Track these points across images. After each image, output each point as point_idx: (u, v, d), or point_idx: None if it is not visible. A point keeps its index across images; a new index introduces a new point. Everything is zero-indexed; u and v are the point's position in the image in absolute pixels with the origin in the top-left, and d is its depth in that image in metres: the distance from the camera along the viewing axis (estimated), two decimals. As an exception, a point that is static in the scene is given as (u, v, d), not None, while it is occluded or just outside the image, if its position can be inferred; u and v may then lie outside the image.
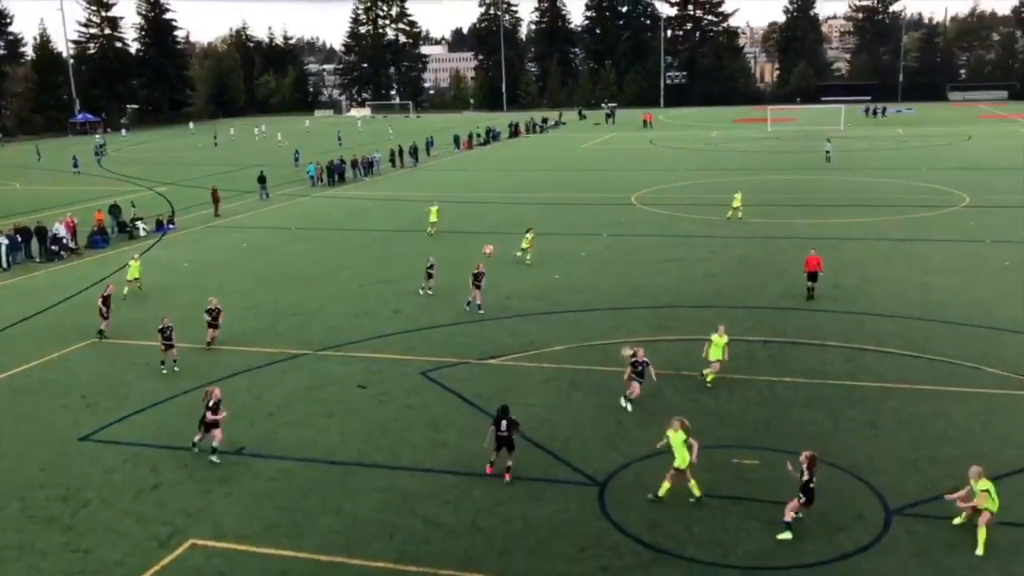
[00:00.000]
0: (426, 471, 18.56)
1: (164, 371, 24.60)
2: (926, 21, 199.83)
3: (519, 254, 36.46)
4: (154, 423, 21.52)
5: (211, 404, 19.18)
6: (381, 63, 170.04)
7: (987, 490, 14.69)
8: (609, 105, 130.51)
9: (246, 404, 22.37)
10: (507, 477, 17.82)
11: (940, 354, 24.31)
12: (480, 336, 27.22)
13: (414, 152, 76.23)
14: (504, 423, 17.80)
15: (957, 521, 15.42)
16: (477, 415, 21.22)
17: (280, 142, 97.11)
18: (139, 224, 46.34)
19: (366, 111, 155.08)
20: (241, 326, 28.68)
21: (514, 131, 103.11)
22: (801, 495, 15.41)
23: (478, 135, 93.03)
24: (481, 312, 29.12)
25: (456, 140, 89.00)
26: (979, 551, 14.64)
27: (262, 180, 58.11)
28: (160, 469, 18.98)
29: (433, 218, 43.38)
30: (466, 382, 23.39)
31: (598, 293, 31.63)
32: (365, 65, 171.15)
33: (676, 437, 16.74)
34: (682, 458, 16.58)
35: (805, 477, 15.37)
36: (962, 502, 15.11)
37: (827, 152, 66.74)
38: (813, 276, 29.56)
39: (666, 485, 16.73)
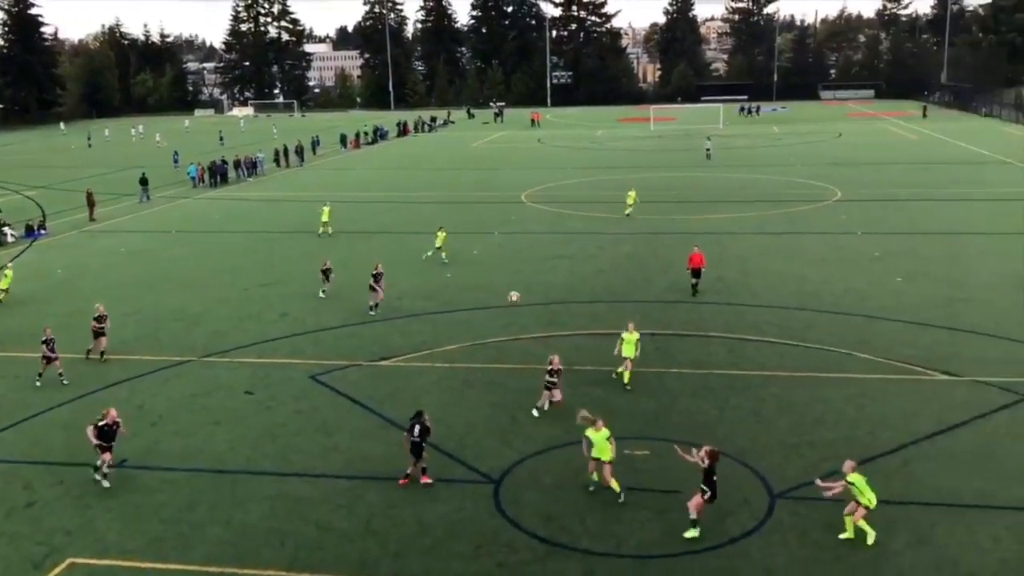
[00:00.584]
0: (317, 476, 18.24)
1: (39, 383, 23.38)
2: (798, 23, 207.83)
3: (431, 254, 36.19)
4: (27, 439, 20.48)
5: (101, 424, 17.95)
6: (264, 61, 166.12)
7: (854, 483, 14.98)
8: (497, 104, 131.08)
9: (128, 415, 21.41)
10: (424, 480, 17.62)
11: (817, 342, 25.34)
12: (371, 337, 26.93)
13: (300, 152, 74.80)
14: (417, 428, 17.55)
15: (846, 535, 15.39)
16: (369, 417, 20.99)
17: (159, 143, 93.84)
18: (5, 230, 43.98)
19: (249, 110, 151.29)
20: (121, 333, 27.53)
21: (402, 130, 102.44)
22: (704, 488, 15.47)
23: (366, 134, 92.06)
24: (371, 313, 28.83)
25: (343, 139, 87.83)
26: (872, 536, 15.02)
27: (144, 182, 55.88)
28: (34, 487, 18.06)
29: (325, 218, 42.66)
30: (357, 385, 23.09)
31: (490, 291, 31.71)
32: (247, 63, 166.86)
33: (597, 436, 16.81)
34: (606, 452, 16.72)
35: (704, 465, 15.45)
36: (829, 491, 15.40)
37: (707, 150, 68.72)
38: (697, 273, 30.30)
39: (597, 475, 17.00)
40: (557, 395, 20.89)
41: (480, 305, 29.99)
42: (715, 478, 15.47)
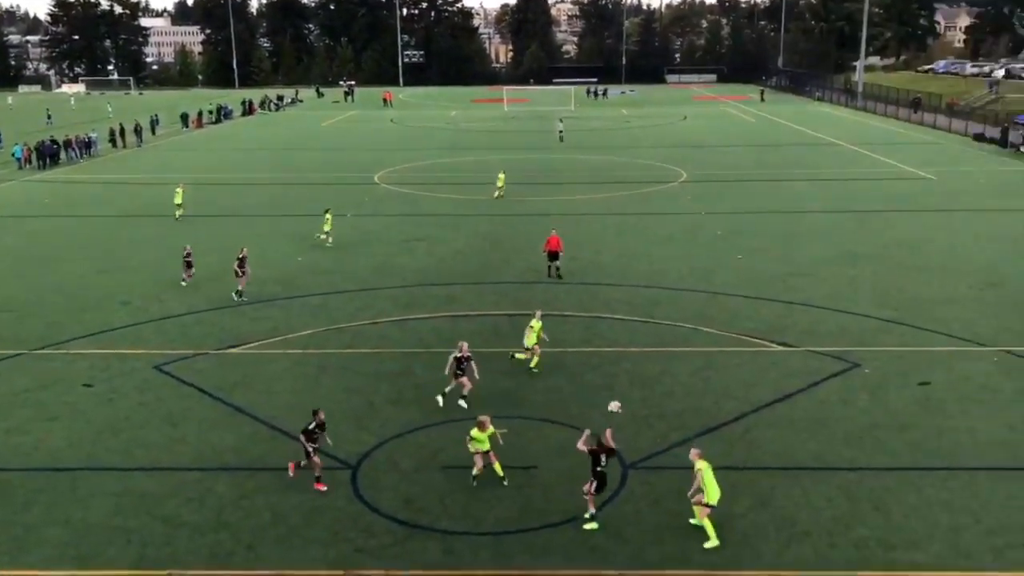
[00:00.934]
0: (164, 469, 17.53)
1: None
2: (644, 7, 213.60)
3: (322, 236, 35.09)
4: None
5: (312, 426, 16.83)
6: (95, 35, 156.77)
7: (702, 470, 14.93)
8: (348, 83, 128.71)
9: (-50, 413, 20.02)
10: (318, 486, 16.78)
11: (664, 318, 26.25)
12: (219, 325, 26.02)
13: (139, 131, 71.19)
14: (312, 424, 16.82)
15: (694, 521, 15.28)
16: (217, 407, 20.31)
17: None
18: None
19: (80, 87, 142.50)
20: (-60, 327, 25.61)
21: (248, 109, 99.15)
22: (592, 479, 15.33)
23: (210, 112, 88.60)
24: (237, 299, 27.85)
25: (185, 118, 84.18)
26: (712, 542, 14.70)
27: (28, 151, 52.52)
28: None
29: (179, 199, 40.74)
30: (204, 374, 22.28)
31: (344, 275, 31.22)
32: (76, 37, 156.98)
33: (481, 436, 16.52)
34: (484, 441, 16.54)
35: (591, 453, 15.30)
36: (698, 503, 15.03)
37: (560, 132, 69.77)
38: (554, 256, 30.55)
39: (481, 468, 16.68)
40: (468, 384, 20.19)
41: (334, 289, 29.48)
42: (599, 468, 15.28)
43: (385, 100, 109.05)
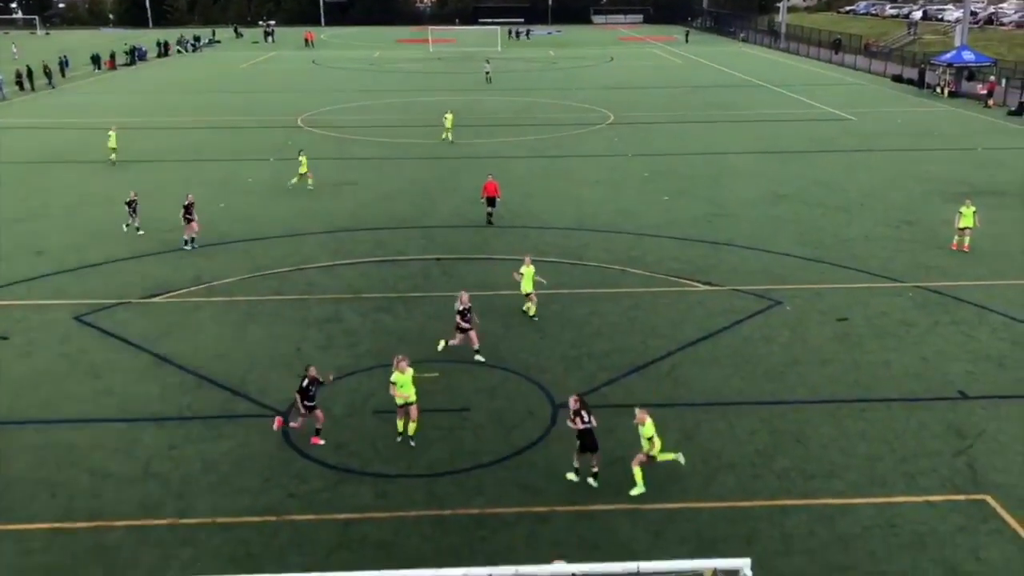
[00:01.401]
0: (89, 421, 17.19)
1: None
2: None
3: (296, 181, 34.17)
4: None
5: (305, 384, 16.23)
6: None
7: (651, 438, 14.84)
8: (268, 23, 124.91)
9: None
10: (314, 441, 16.41)
11: (592, 259, 26.48)
12: (140, 273, 25.39)
13: (48, 73, 68.18)
14: (304, 381, 16.28)
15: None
16: (141, 357, 19.93)
17: None
18: None
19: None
20: None
21: (163, 50, 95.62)
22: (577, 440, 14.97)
23: (126, 53, 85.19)
24: (187, 248, 27.24)
25: (96, 60, 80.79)
26: (638, 489, 14.73)
27: None
28: None
29: (112, 144, 39.27)
30: (128, 324, 21.79)
31: (269, 221, 30.65)
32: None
33: (403, 377, 16.16)
34: (411, 393, 16.15)
35: (581, 424, 14.83)
36: (639, 463, 14.91)
37: (487, 73, 69.02)
38: (491, 201, 30.11)
39: (404, 423, 16.39)
40: (475, 338, 19.59)
41: (258, 235, 28.96)
42: (587, 426, 14.80)
43: (307, 40, 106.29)
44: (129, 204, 28.77)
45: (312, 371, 16.52)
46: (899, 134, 46.82)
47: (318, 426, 16.48)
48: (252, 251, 27.37)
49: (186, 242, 27.42)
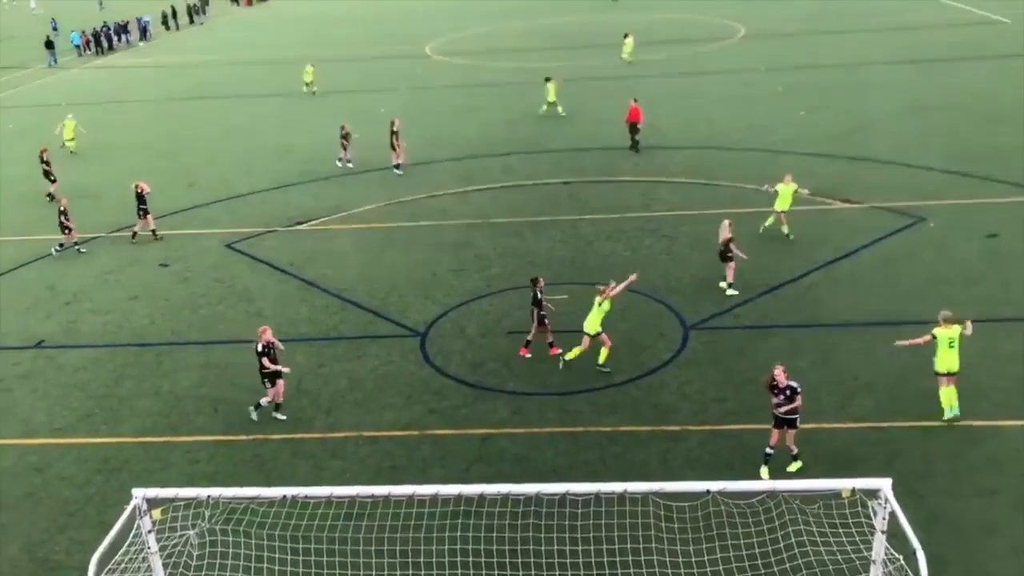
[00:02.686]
0: (243, 343, 18.26)
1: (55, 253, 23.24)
2: None
3: (545, 109, 34.00)
4: (-64, 327, 19.95)
5: (261, 348, 15.24)
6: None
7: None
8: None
9: (39, 296, 21.09)
10: (552, 352, 16.69)
11: (724, 178, 25.95)
12: (284, 202, 26.55)
13: (198, 9, 71.00)
14: (533, 296, 16.65)
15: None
16: (290, 282, 20.99)
17: (33, 9, 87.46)
18: None
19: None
20: (20, 215, 26.60)
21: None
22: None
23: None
24: (397, 172, 28.17)
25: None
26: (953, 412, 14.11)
27: (49, 45, 54.53)
28: (-49, 374, 17.76)
29: (308, 78, 40.86)
30: (275, 250, 22.93)
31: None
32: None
33: (597, 311, 16.02)
34: (592, 325, 16.14)
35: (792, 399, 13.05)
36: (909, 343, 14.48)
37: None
38: (634, 128, 29.21)
39: (577, 350, 16.37)
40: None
41: (392, 164, 29.67)
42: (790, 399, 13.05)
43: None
44: (343, 137, 29.12)
45: (540, 285, 16.39)
46: (1062, 36, 43.27)
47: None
48: (386, 179, 28.12)
49: (397, 167, 28.15)
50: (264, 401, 15.39)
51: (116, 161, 32.29)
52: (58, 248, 23.34)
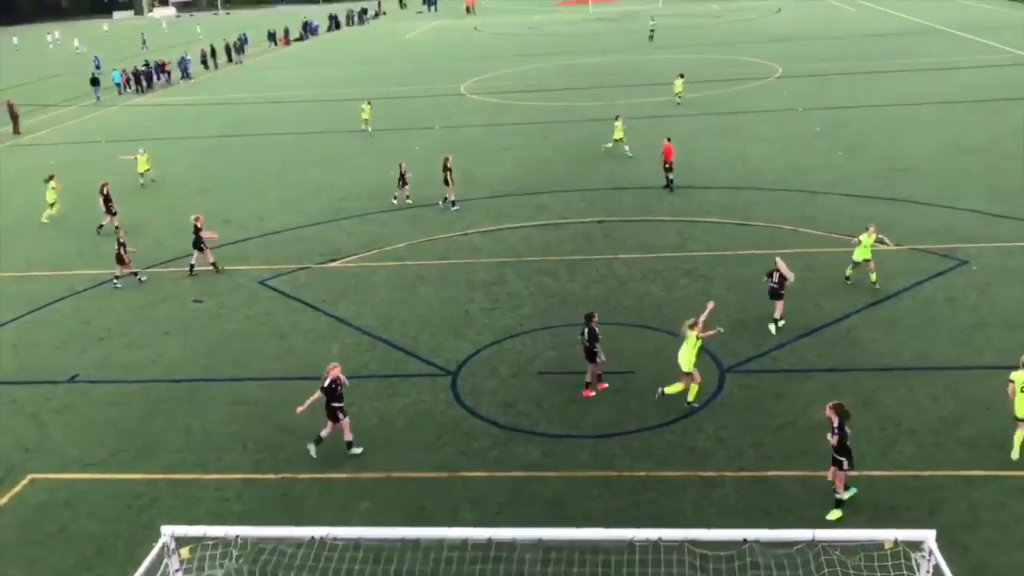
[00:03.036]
0: (275, 380, 18.29)
1: (118, 285, 23.65)
2: None
3: (610, 146, 33.83)
4: (-28, 360, 20.12)
5: (328, 384, 15.17)
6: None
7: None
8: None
9: (74, 330, 21.24)
10: (599, 387, 16.75)
11: (761, 219, 25.68)
12: (318, 239, 26.65)
13: (239, 48, 72.69)
14: (586, 332, 16.41)
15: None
16: (321, 318, 20.96)
17: (77, 49, 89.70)
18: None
19: (170, 10, 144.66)
20: (56, 247, 26.95)
21: (334, 24, 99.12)
22: (838, 458, 12.88)
23: (311, 24, 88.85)
24: (452, 209, 28.28)
25: (272, 36, 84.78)
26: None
27: (95, 82, 56.10)
28: (-14, 407, 17.86)
29: (365, 116, 40.93)
30: (307, 287, 22.96)
31: (436, 186, 31.36)
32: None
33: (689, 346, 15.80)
34: (687, 361, 15.84)
35: (835, 435, 12.79)
36: None
37: (651, 31, 67.63)
38: (668, 166, 28.91)
39: (678, 386, 16.14)
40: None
41: (426, 201, 29.72)
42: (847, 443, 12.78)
43: (468, 7, 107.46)
44: (401, 176, 29.06)
45: (595, 321, 16.19)
46: (1105, 77, 42.69)
47: (599, 372, 16.33)
48: (421, 217, 28.16)
49: (450, 203, 28.22)
50: (324, 434, 15.33)
51: (152, 197, 32.70)
52: (117, 280, 23.67)
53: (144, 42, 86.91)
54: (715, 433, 15.36)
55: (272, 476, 14.95)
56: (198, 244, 23.80)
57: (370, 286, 22.81)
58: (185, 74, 64.18)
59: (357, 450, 15.39)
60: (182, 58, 65.33)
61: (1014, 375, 13.94)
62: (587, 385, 16.79)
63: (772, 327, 18.77)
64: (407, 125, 42.64)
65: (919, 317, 19.01)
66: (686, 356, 15.86)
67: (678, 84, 42.89)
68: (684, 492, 13.85)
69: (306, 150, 38.75)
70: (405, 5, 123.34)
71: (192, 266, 24.13)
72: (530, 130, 39.72)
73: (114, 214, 28.15)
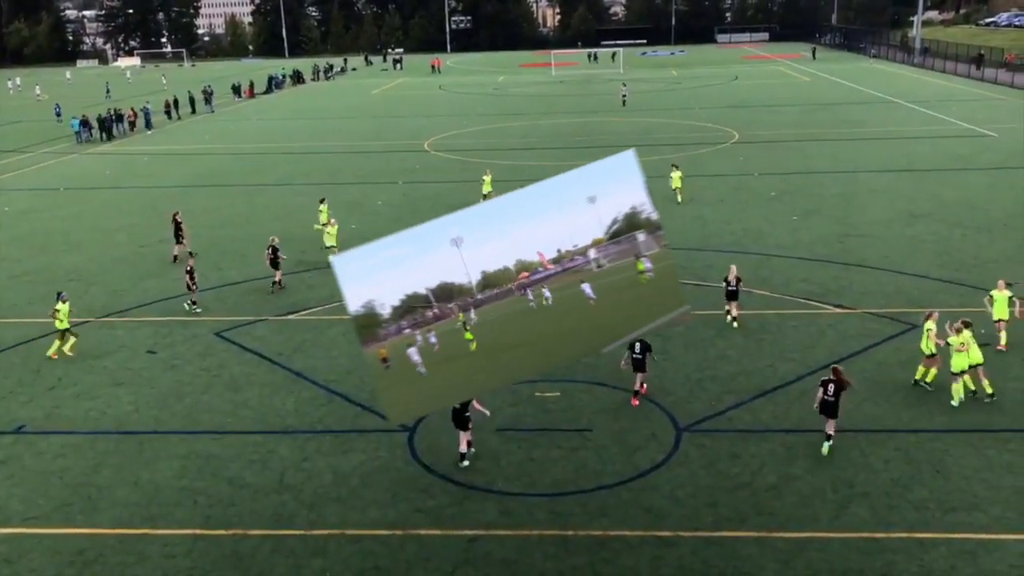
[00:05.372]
0: (227, 433, 17.99)
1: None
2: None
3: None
4: (-86, 409, 19.55)
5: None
6: (148, 8, 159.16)
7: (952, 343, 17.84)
8: (396, 51, 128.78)
9: (23, 379, 20.77)
10: (642, 392, 18.61)
11: (717, 280, 25.98)
12: (277, 291, 26.45)
13: (207, 99, 72.99)
14: (638, 346, 18.08)
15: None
16: (277, 372, 20.75)
17: (38, 96, 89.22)
18: None
19: (135, 61, 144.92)
20: (10, 296, 26.45)
21: (298, 78, 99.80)
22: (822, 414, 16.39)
23: (276, 78, 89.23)
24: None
25: (237, 89, 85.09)
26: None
27: (85, 123, 57.98)
28: (-74, 458, 17.32)
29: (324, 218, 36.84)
30: (264, 340, 22.75)
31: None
32: (131, 11, 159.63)
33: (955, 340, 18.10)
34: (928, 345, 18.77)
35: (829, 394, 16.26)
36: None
37: (624, 96, 68.71)
38: None
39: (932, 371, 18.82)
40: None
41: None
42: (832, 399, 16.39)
43: (433, 67, 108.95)
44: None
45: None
46: (1047, 150, 44.25)
47: (644, 384, 18.50)
48: (380, 271, 28.08)
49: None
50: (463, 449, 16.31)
51: (104, 250, 32.31)
52: (191, 305, 24.67)
53: (108, 91, 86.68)
54: (671, 492, 15.37)
55: (223, 532, 14.64)
56: (275, 263, 26.08)
57: (328, 340, 22.66)
58: (146, 124, 63.95)
59: (465, 463, 16.35)
60: (145, 108, 65.17)
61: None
62: (635, 394, 18.53)
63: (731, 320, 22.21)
64: (371, 179, 42.81)
65: (872, 380, 19.30)
66: (926, 342, 19.00)
67: (675, 179, 35.85)
68: (640, 552, 13.80)
69: (269, 202, 38.68)
70: (371, 63, 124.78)
71: (275, 282, 26.19)
72: (497, 187, 39.98)
73: (181, 242, 29.24)
